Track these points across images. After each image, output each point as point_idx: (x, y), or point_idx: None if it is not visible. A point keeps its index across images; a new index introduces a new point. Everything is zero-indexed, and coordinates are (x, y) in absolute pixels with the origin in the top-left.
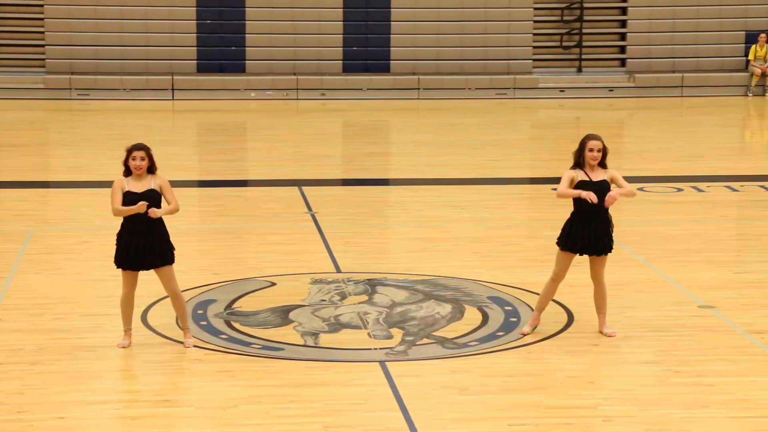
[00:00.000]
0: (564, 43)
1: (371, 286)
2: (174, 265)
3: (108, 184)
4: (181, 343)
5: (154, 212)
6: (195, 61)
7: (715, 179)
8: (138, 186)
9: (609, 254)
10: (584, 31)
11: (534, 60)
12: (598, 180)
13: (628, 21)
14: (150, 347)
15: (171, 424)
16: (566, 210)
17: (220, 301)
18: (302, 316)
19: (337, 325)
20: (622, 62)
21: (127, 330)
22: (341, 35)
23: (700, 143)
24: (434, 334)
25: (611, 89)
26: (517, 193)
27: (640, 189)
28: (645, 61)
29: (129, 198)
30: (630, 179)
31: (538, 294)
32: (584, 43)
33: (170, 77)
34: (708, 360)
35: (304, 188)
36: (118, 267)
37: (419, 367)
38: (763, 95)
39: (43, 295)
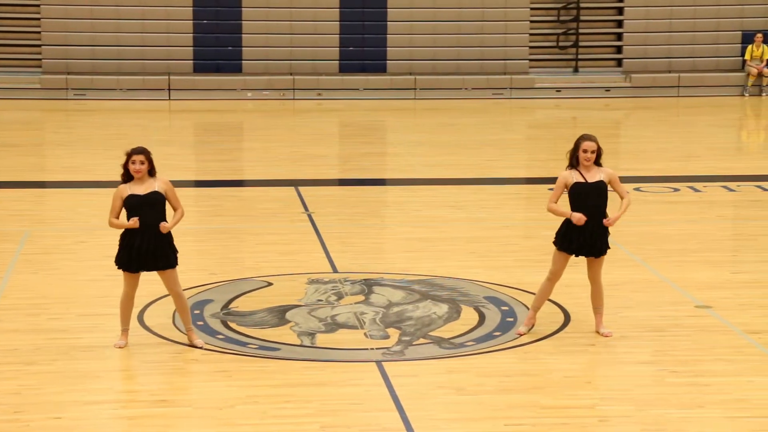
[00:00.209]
0: (560, 43)
1: (368, 286)
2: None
3: (104, 184)
4: (179, 343)
5: (164, 227)
6: (191, 61)
7: (712, 179)
8: (140, 189)
9: (606, 254)
10: (581, 31)
11: (530, 60)
12: (594, 181)
13: (625, 21)
14: (147, 347)
15: (168, 424)
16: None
17: (217, 301)
18: (299, 316)
19: (333, 325)
20: (619, 62)
21: (125, 330)
22: (338, 35)
23: (697, 143)
24: (431, 334)
25: (608, 89)
26: (513, 193)
27: (637, 189)
28: (641, 61)
29: (132, 201)
30: (627, 179)
31: (534, 294)
32: (581, 43)
33: (167, 77)
34: (705, 360)
35: (301, 188)
36: (119, 268)
37: (416, 367)
38: (760, 95)
39: (39, 295)
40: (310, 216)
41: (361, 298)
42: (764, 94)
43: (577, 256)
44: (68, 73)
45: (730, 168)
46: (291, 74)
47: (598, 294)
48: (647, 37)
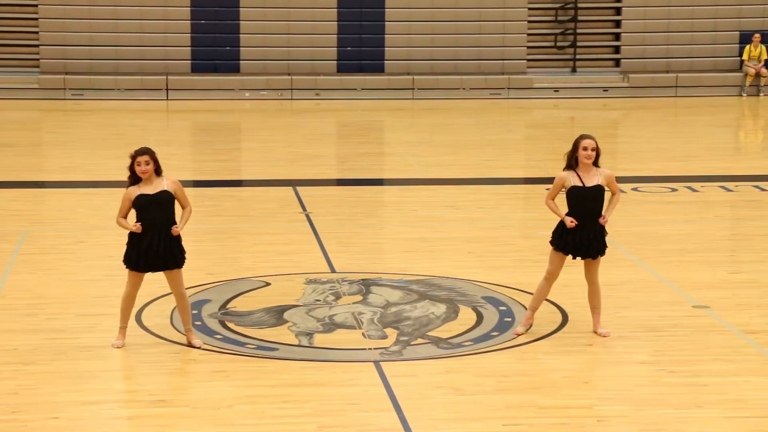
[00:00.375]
0: (558, 43)
1: (366, 286)
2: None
3: (102, 184)
4: (177, 343)
5: (176, 231)
6: (189, 61)
7: (710, 179)
8: (149, 189)
9: (603, 255)
10: (578, 31)
11: (528, 60)
12: (592, 185)
13: (623, 21)
14: (145, 347)
15: (166, 424)
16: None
17: (215, 301)
18: (297, 316)
19: (331, 325)
20: (617, 62)
21: (123, 328)
22: (335, 35)
23: (695, 143)
24: (429, 334)
25: (606, 89)
26: (511, 193)
27: (635, 189)
28: (639, 61)
29: (141, 200)
30: (624, 179)
31: (532, 294)
32: (579, 43)
33: (164, 77)
34: (702, 360)
35: (299, 188)
36: (127, 267)
37: (414, 367)
38: (758, 95)
39: (37, 295)
40: (308, 216)
41: (359, 298)
42: (762, 94)
43: (574, 257)
44: (66, 73)
45: (728, 168)
46: (289, 74)
47: (595, 294)
48: (645, 37)
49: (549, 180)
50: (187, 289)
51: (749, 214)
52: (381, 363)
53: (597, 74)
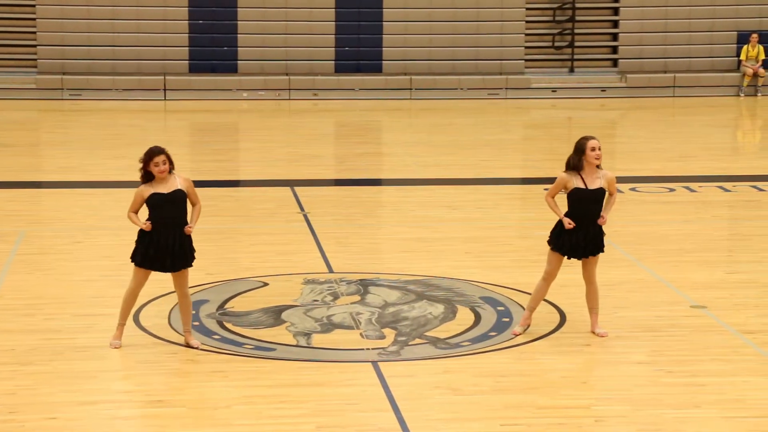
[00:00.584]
0: (556, 44)
1: (364, 286)
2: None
3: (100, 185)
4: (175, 343)
5: (189, 230)
6: (187, 62)
7: (708, 179)
8: (163, 187)
9: (601, 254)
10: (576, 31)
11: (526, 60)
12: (594, 188)
13: (620, 21)
14: (142, 347)
15: (164, 424)
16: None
17: (213, 301)
18: (295, 317)
19: (329, 326)
20: (614, 62)
21: (121, 325)
22: (333, 35)
23: (692, 143)
24: (427, 334)
25: (603, 89)
26: (509, 193)
27: (633, 189)
28: (637, 61)
29: (155, 199)
30: (622, 179)
31: (530, 294)
32: (576, 44)
33: (162, 77)
34: (700, 360)
35: (297, 188)
36: (137, 265)
37: (412, 367)
38: (755, 95)
39: (35, 296)
40: (306, 216)
41: (357, 298)
42: (760, 94)
43: (569, 258)
44: (64, 74)
45: (726, 168)
46: (287, 74)
47: (593, 294)
48: (643, 37)
49: (547, 180)
50: None
51: (747, 214)
52: (379, 363)
53: (595, 74)
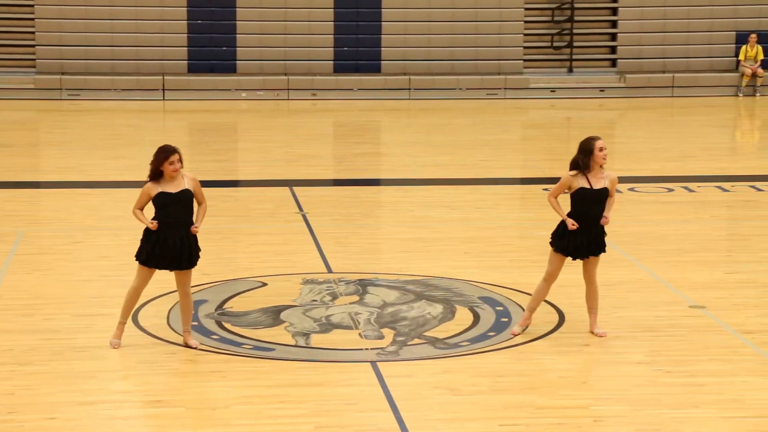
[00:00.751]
0: (555, 44)
1: (362, 286)
2: None
3: (99, 185)
4: (173, 343)
5: (195, 230)
6: (186, 62)
7: (706, 179)
8: (171, 187)
9: (601, 254)
10: (575, 31)
11: (525, 60)
12: (599, 188)
13: (619, 21)
14: (141, 348)
15: (163, 424)
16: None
17: (212, 301)
18: (293, 317)
19: (328, 326)
20: (613, 62)
21: (122, 324)
22: (332, 35)
23: (691, 143)
24: (425, 334)
25: (602, 89)
26: (508, 193)
27: (631, 189)
28: (636, 61)
29: (163, 198)
30: (621, 179)
31: (529, 294)
32: (575, 44)
33: (161, 77)
34: (699, 360)
35: (296, 188)
36: (142, 263)
37: (410, 367)
38: (754, 95)
39: (33, 296)
40: (304, 216)
41: (356, 298)
42: (758, 94)
43: (574, 259)
44: (62, 74)
45: (725, 168)
46: (285, 74)
47: (593, 294)
48: (641, 37)
49: (545, 180)
50: None
51: (746, 214)
52: (378, 363)
53: (593, 74)
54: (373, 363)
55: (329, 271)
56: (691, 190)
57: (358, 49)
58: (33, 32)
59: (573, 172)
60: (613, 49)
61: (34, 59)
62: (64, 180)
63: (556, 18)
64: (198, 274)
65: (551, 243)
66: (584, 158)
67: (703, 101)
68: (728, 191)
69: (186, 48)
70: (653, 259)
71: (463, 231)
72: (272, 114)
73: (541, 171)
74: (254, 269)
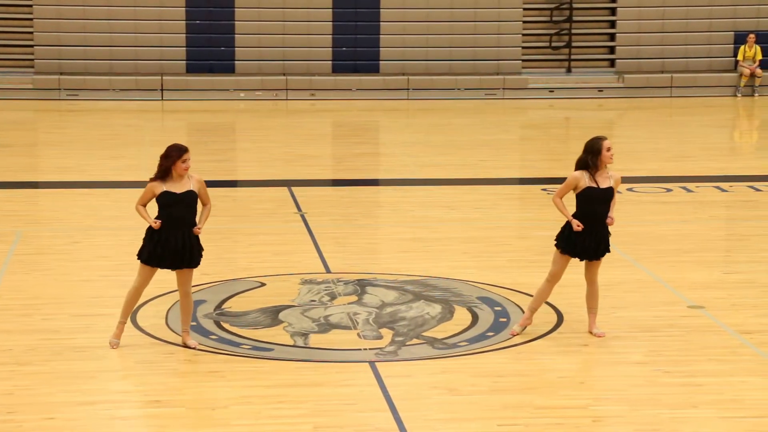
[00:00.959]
0: (553, 44)
1: (361, 286)
2: None
3: (97, 185)
4: (172, 344)
5: (197, 231)
6: (184, 62)
7: (705, 179)
8: (176, 187)
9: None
10: (573, 31)
11: (523, 60)
12: (605, 187)
13: (618, 21)
14: (140, 348)
15: (161, 424)
16: (556, 210)
17: (210, 301)
18: (292, 317)
19: (326, 326)
20: (612, 63)
21: (122, 323)
22: (330, 35)
23: (690, 144)
24: (424, 334)
25: (601, 89)
26: (507, 193)
27: (630, 189)
28: (634, 61)
29: (167, 198)
30: None
31: (528, 294)
32: (573, 44)
33: (159, 78)
34: (698, 360)
35: (294, 188)
36: (143, 262)
37: (409, 367)
38: (752, 96)
39: (32, 296)
40: (303, 216)
41: (354, 298)
42: (757, 94)
43: (581, 259)
44: (61, 74)
45: (723, 168)
46: (284, 75)
47: (593, 294)
48: (640, 37)
49: (544, 180)
50: None
51: (744, 214)
52: (376, 363)
53: (592, 74)
54: (372, 363)
55: (328, 271)
56: (689, 191)
57: (356, 50)
58: (31, 32)
59: (579, 172)
60: (612, 50)
61: (32, 59)
62: (63, 180)
63: (554, 18)
64: (197, 274)
65: (557, 244)
66: (593, 158)
67: (701, 101)
68: (727, 191)
69: (184, 48)
70: (652, 259)
71: (462, 231)
72: (271, 114)
73: (539, 171)
74: (253, 269)
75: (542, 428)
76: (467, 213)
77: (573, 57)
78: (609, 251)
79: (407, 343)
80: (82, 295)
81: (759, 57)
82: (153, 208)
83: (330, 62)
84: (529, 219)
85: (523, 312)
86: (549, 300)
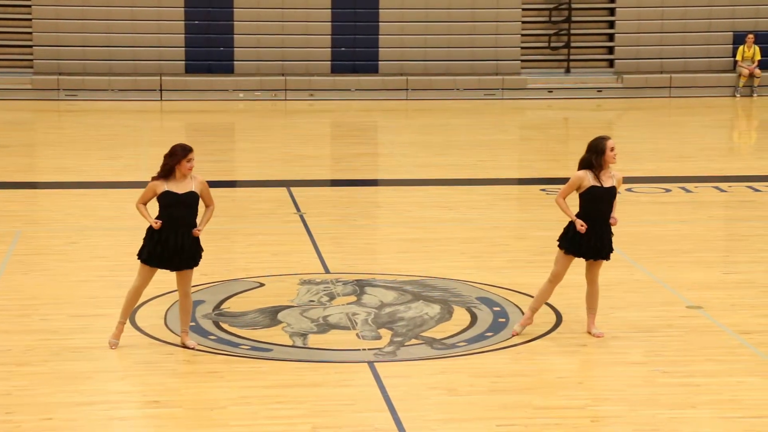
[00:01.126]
0: (552, 44)
1: (360, 286)
2: None
3: (96, 185)
4: (171, 344)
5: (197, 233)
6: (183, 62)
7: (703, 180)
8: (178, 187)
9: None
10: (572, 31)
11: (522, 60)
12: (609, 186)
13: (616, 22)
14: (139, 348)
15: (160, 425)
16: (555, 210)
17: (209, 301)
18: (291, 317)
19: (325, 326)
20: (611, 63)
21: (121, 323)
22: (329, 36)
23: (688, 144)
24: (423, 334)
25: (599, 90)
26: (505, 193)
27: (629, 190)
28: (633, 61)
29: (169, 198)
30: None
31: (526, 294)
32: (572, 44)
33: (158, 78)
34: (696, 360)
35: (293, 189)
36: (143, 262)
37: (408, 367)
38: (751, 96)
39: (30, 296)
40: (302, 216)
41: (353, 298)
42: (755, 94)
43: (586, 259)
44: (59, 74)
45: (722, 168)
46: (283, 75)
47: (593, 295)
48: (639, 37)
49: (543, 181)
50: None
51: (743, 214)
52: (375, 364)
53: (591, 75)
54: (371, 363)
55: (326, 271)
56: (688, 191)
57: (355, 50)
58: (30, 33)
59: (583, 172)
60: (611, 50)
61: (31, 60)
62: (61, 180)
63: (553, 18)
64: (195, 275)
65: (560, 245)
66: (597, 157)
67: (700, 101)
68: (725, 191)
69: (183, 48)
70: (650, 259)
71: (461, 231)
72: (269, 114)
73: (538, 171)
74: (251, 270)
75: (541, 428)
76: (466, 213)
77: (572, 57)
78: (612, 251)
79: (406, 344)
80: (81, 296)
81: (758, 57)
82: (153, 208)
83: (329, 62)
84: (527, 219)
85: (522, 312)
86: (548, 301)
